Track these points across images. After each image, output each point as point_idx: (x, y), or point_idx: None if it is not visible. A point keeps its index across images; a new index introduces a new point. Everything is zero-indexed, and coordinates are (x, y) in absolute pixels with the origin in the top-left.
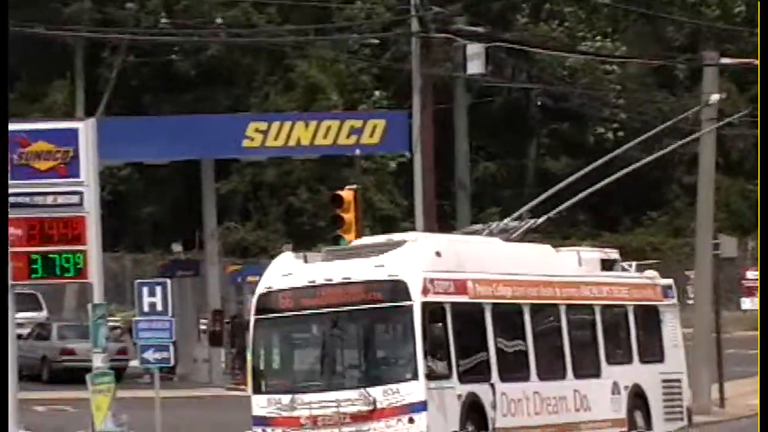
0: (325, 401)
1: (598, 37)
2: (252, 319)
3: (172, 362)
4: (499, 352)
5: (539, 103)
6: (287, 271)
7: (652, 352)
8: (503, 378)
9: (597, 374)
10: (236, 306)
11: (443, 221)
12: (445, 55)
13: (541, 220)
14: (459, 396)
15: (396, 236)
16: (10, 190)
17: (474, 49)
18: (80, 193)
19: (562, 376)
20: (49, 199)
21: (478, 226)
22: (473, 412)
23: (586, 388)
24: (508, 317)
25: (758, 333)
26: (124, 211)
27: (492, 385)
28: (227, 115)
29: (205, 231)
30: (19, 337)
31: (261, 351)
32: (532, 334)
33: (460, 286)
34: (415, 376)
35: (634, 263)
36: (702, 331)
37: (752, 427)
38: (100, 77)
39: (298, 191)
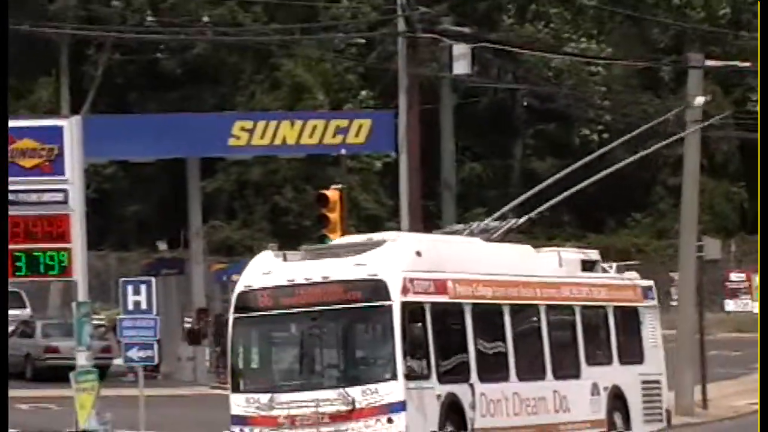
0: (304, 401)
1: (584, 39)
2: (231, 317)
3: (156, 361)
4: (479, 352)
5: (525, 103)
6: (266, 269)
7: (632, 353)
8: (482, 378)
9: (577, 375)
10: (221, 305)
11: (429, 221)
12: (431, 55)
13: (521, 220)
14: (438, 396)
15: (376, 236)
16: None
17: (460, 49)
18: (65, 191)
19: (542, 376)
20: (34, 197)
21: (459, 226)
22: (452, 412)
23: (565, 389)
24: (488, 317)
25: (758, 333)
26: (109, 209)
27: (471, 386)
28: (213, 113)
29: (191, 229)
30: None
31: (240, 350)
32: (512, 334)
33: (440, 286)
34: (394, 376)
35: (614, 264)
36: (685, 333)
37: (735, 428)
38: (85, 75)
39: (283, 190)
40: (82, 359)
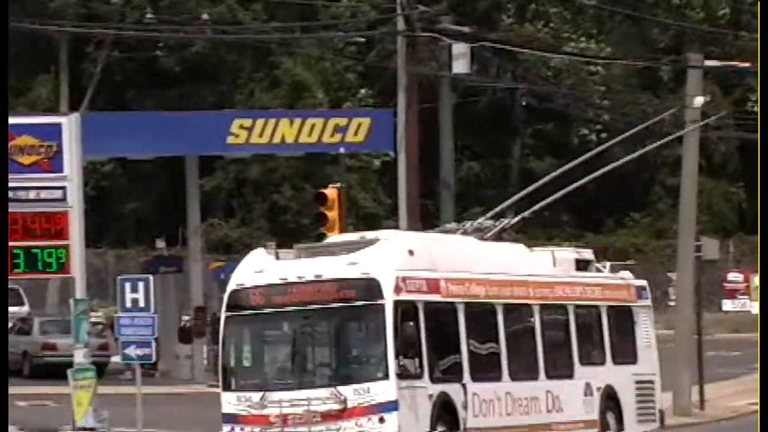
0: (296, 400)
1: (583, 38)
2: (223, 315)
3: (154, 358)
4: (472, 352)
5: (524, 103)
6: (259, 267)
7: (626, 353)
8: (475, 378)
9: (570, 375)
10: (219, 303)
11: (427, 220)
12: (430, 54)
13: (515, 219)
14: (430, 396)
15: (369, 234)
16: None
17: (459, 48)
18: (63, 188)
19: (535, 376)
20: (32, 194)
21: (452, 225)
22: (444, 412)
23: (558, 389)
24: (481, 317)
25: (758, 333)
26: (107, 206)
27: (464, 385)
28: (212, 111)
29: (189, 227)
30: None
31: (231, 348)
32: (505, 334)
33: (433, 285)
34: (386, 376)
35: (608, 263)
36: (683, 333)
37: (732, 429)
38: (84, 72)
39: (282, 188)
40: (80, 356)
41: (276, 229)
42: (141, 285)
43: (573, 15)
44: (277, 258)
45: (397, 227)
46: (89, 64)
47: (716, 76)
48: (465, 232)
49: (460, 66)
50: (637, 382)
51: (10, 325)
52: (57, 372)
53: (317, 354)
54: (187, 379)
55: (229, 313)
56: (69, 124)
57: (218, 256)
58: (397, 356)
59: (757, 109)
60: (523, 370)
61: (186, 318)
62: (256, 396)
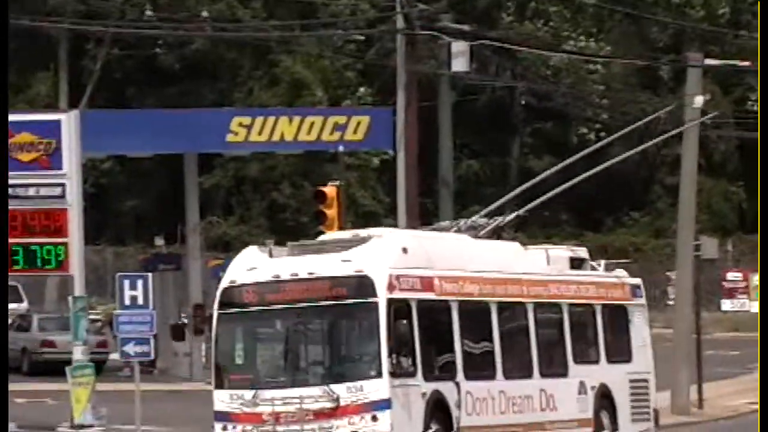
0: (288, 398)
1: (583, 37)
2: (215, 313)
3: (153, 356)
4: (465, 350)
5: (523, 101)
6: (252, 265)
7: (620, 352)
8: (468, 376)
9: (564, 374)
10: None
11: (426, 219)
12: (429, 52)
13: (509, 217)
14: (423, 394)
15: (362, 232)
16: None
17: (459, 46)
18: (62, 185)
19: (529, 375)
20: (31, 191)
21: (446, 223)
22: (438, 410)
23: (552, 388)
24: (475, 315)
25: (758, 333)
26: (106, 203)
27: (457, 384)
28: (211, 109)
29: (188, 225)
30: None
31: (224, 346)
32: (499, 332)
33: (427, 283)
34: (379, 374)
35: (602, 262)
36: (682, 332)
37: (731, 428)
38: (84, 69)
39: (281, 186)
40: (79, 353)
41: (275, 227)
42: (140, 282)
43: (573, 14)
44: (271, 255)
45: (396, 225)
46: (89, 61)
47: (716, 75)
48: (459, 230)
49: (460, 64)
50: (632, 380)
51: (9, 321)
52: (56, 369)
53: (310, 352)
54: (185, 377)
55: (222, 311)
56: (68, 121)
57: (217, 253)
58: (390, 354)
59: (757, 108)
60: (517, 369)
61: (184, 315)
62: (248, 394)
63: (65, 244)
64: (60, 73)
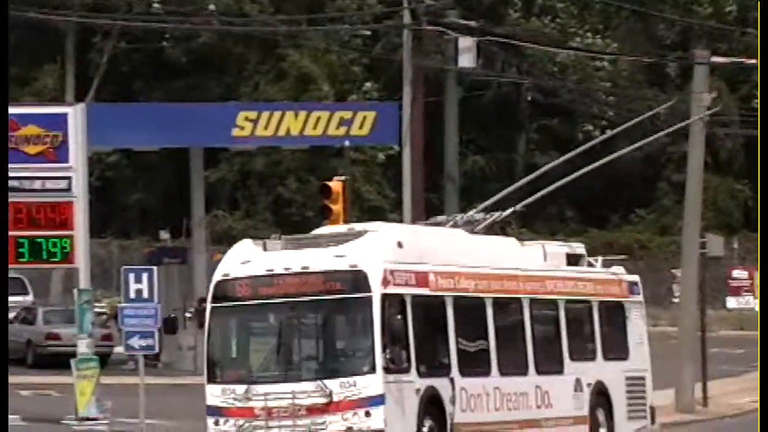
0: (281, 393)
1: (590, 34)
2: (208, 306)
3: (157, 349)
4: (460, 346)
5: (529, 98)
6: (245, 258)
7: (617, 349)
8: (463, 372)
9: (560, 370)
10: None
11: (431, 214)
12: (436, 47)
13: (506, 212)
14: (417, 390)
15: (357, 226)
16: None
17: (465, 42)
18: (68, 178)
19: (524, 371)
20: (37, 184)
21: (443, 218)
22: (432, 406)
23: (548, 385)
24: (470, 311)
25: (758, 333)
26: (112, 197)
27: (451, 380)
28: (217, 103)
29: (193, 219)
30: None
31: (216, 340)
32: (494, 328)
33: (422, 278)
34: (372, 369)
35: (600, 258)
36: (687, 330)
37: (735, 426)
38: (90, 62)
39: (286, 181)
40: (83, 346)
41: (280, 222)
42: (145, 276)
43: (580, 10)
44: (265, 249)
45: (401, 221)
46: (95, 54)
47: (723, 72)
48: (456, 225)
49: (466, 60)
50: (628, 378)
51: (14, 314)
52: (60, 362)
53: (303, 347)
54: (190, 371)
55: (215, 305)
56: (75, 114)
57: (222, 247)
58: (384, 350)
59: (757, 106)
60: (513, 365)
61: (190, 309)
62: (240, 388)
63: (71, 237)
64: (67, 66)
